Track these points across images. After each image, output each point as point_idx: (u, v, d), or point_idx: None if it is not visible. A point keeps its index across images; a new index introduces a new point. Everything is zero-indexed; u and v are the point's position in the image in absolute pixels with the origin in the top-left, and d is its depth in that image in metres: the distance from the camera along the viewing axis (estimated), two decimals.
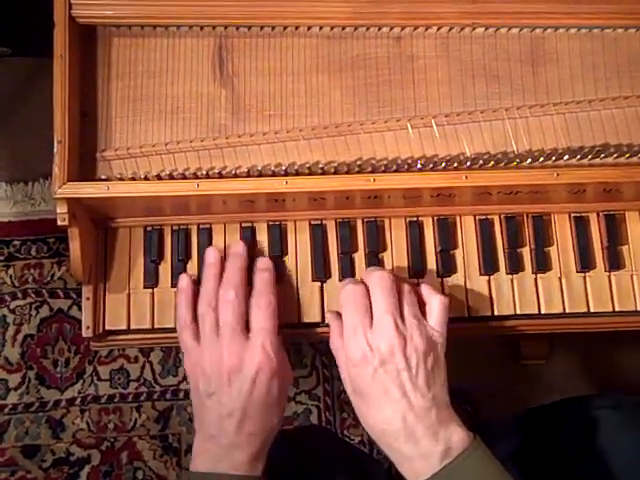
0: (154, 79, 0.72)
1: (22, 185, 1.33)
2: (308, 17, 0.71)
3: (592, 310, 0.73)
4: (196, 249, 0.73)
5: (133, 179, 0.69)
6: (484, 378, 1.28)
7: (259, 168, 0.70)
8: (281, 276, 0.72)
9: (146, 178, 0.69)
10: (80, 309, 1.24)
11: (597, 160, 0.71)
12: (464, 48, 0.73)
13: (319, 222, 0.74)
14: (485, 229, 0.74)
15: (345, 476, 0.78)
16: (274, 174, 0.70)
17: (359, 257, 0.73)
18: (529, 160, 0.71)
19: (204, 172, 0.70)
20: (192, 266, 0.73)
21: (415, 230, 0.74)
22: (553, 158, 0.71)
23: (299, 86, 0.72)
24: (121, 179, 0.69)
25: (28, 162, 1.34)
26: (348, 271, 0.72)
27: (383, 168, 0.70)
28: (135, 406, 1.24)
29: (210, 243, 0.73)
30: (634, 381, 1.25)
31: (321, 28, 0.72)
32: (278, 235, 0.73)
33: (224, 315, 0.67)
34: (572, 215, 0.75)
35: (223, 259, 0.70)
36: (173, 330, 0.70)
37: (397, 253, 0.74)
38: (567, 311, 0.73)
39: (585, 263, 0.73)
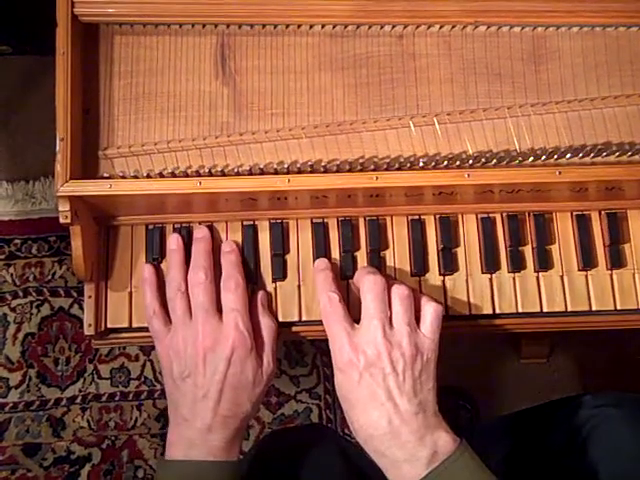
0: (156, 77, 0.72)
1: (23, 184, 1.33)
2: (310, 15, 0.71)
3: (594, 309, 0.73)
4: None
5: (135, 177, 0.69)
6: (484, 377, 1.28)
7: (261, 166, 0.70)
8: (283, 274, 0.72)
9: (148, 176, 0.69)
10: (81, 308, 1.26)
11: (599, 158, 0.71)
12: (466, 46, 0.73)
13: (321, 220, 0.74)
14: (487, 227, 0.74)
15: (345, 475, 0.78)
16: (276, 172, 0.70)
17: (361, 255, 0.73)
18: (531, 158, 0.71)
19: (206, 170, 0.70)
20: None
21: (417, 228, 0.74)
22: (555, 156, 0.71)
23: (301, 84, 0.72)
24: (123, 177, 0.69)
25: (29, 161, 1.34)
26: (350, 269, 0.72)
27: (385, 166, 0.70)
28: (136, 404, 1.24)
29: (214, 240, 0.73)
30: (634, 381, 1.25)
31: (323, 26, 0.72)
32: (280, 233, 0.73)
33: (196, 297, 0.67)
34: (574, 213, 0.75)
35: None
36: None
37: (399, 251, 0.74)
38: (569, 309, 0.73)
39: (587, 261, 0.73)
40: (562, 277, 0.73)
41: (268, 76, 0.72)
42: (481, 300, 0.73)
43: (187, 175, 0.70)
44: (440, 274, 0.73)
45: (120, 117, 0.71)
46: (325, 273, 0.70)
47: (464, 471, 0.61)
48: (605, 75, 0.73)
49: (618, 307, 0.73)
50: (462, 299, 0.73)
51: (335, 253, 0.73)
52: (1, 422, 1.23)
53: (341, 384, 0.65)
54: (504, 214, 0.74)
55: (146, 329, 0.71)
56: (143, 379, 1.26)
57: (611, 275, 0.74)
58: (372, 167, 0.70)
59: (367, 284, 0.66)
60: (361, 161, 0.71)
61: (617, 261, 0.73)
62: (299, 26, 0.72)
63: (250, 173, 0.70)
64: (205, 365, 0.66)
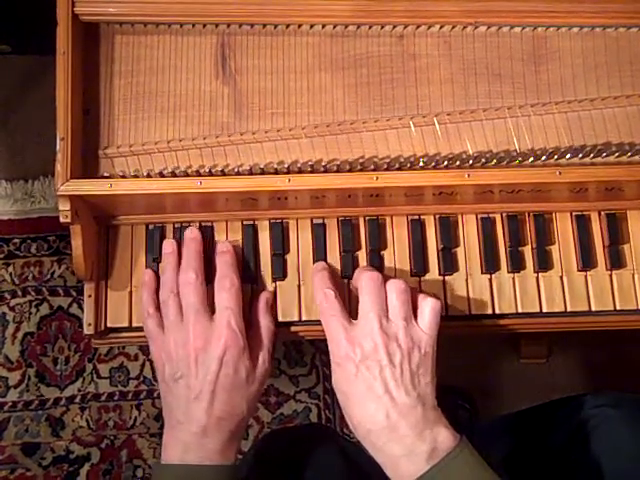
0: (156, 77, 0.72)
1: (22, 183, 1.33)
2: (311, 15, 0.71)
3: (593, 309, 0.73)
4: None
5: (135, 176, 0.69)
6: (484, 377, 1.28)
7: (261, 166, 0.70)
8: (283, 274, 0.72)
9: (149, 175, 0.69)
10: (80, 307, 1.26)
11: (599, 159, 0.72)
12: (466, 47, 0.73)
13: (321, 220, 0.74)
14: (487, 227, 0.74)
15: (345, 474, 0.78)
16: (276, 172, 0.70)
17: (361, 255, 0.73)
18: (531, 159, 0.71)
19: (206, 170, 0.70)
20: None
21: (417, 228, 0.74)
22: (555, 157, 0.71)
23: (301, 84, 0.72)
24: (123, 176, 0.69)
25: (28, 160, 1.34)
26: (350, 269, 0.72)
27: (385, 166, 0.70)
28: (135, 404, 1.24)
29: (212, 241, 0.73)
30: (634, 380, 1.25)
31: (324, 26, 0.72)
32: (280, 233, 0.73)
33: (187, 297, 0.67)
34: (574, 214, 0.75)
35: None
36: None
37: (399, 251, 0.74)
38: (568, 310, 0.73)
39: (586, 262, 0.73)
40: (562, 277, 0.74)
41: (268, 76, 0.72)
42: (481, 300, 0.73)
43: (187, 175, 0.70)
44: (440, 274, 0.73)
45: (120, 116, 0.71)
46: (322, 273, 0.70)
47: (464, 468, 0.61)
48: (605, 76, 0.73)
49: (617, 307, 0.73)
50: (462, 299, 0.73)
51: (335, 253, 0.73)
52: (0, 421, 1.23)
53: (338, 378, 0.65)
54: (504, 214, 0.74)
55: None
56: (142, 379, 1.26)
57: (610, 275, 0.74)
58: (372, 167, 0.70)
59: (363, 280, 0.66)
60: (361, 161, 0.71)
61: (617, 261, 0.74)
62: (299, 26, 0.72)
63: (250, 173, 0.70)
64: (197, 366, 0.65)
